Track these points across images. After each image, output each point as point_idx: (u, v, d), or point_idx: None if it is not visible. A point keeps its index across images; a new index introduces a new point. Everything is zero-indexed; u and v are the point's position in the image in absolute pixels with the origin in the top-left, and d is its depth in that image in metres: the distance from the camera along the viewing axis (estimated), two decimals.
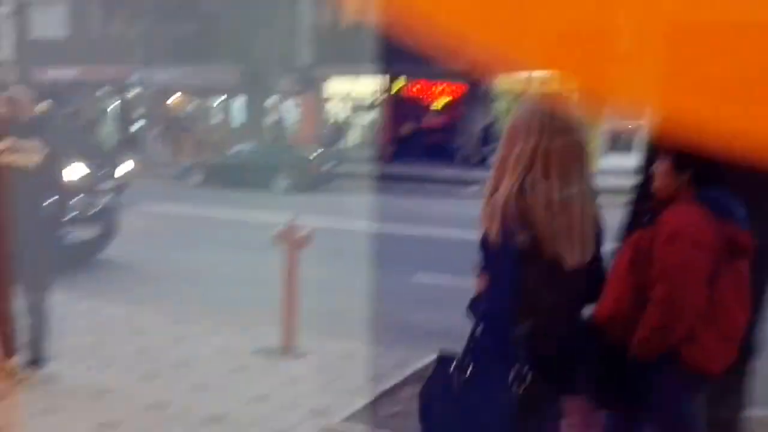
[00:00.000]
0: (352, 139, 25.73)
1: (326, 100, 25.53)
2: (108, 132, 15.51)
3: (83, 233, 7.92)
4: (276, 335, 5.28)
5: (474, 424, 2.05)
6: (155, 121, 23.52)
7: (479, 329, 2.11)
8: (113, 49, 23.84)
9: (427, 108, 24.76)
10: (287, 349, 5.22)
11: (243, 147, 18.95)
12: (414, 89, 24.45)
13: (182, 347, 5.28)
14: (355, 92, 25.10)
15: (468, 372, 2.07)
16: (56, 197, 4.44)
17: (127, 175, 13.06)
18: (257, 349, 5.30)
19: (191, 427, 3.95)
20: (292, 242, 5.24)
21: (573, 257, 2.07)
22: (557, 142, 2.06)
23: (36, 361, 4.51)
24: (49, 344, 4.61)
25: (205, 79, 23.67)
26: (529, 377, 2.00)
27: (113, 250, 8.71)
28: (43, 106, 10.74)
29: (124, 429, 3.86)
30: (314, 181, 17.94)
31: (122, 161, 13.76)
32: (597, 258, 2.20)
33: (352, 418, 3.97)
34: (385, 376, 4.62)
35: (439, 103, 24.66)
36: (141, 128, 24.51)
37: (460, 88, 23.40)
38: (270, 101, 24.38)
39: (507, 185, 2.06)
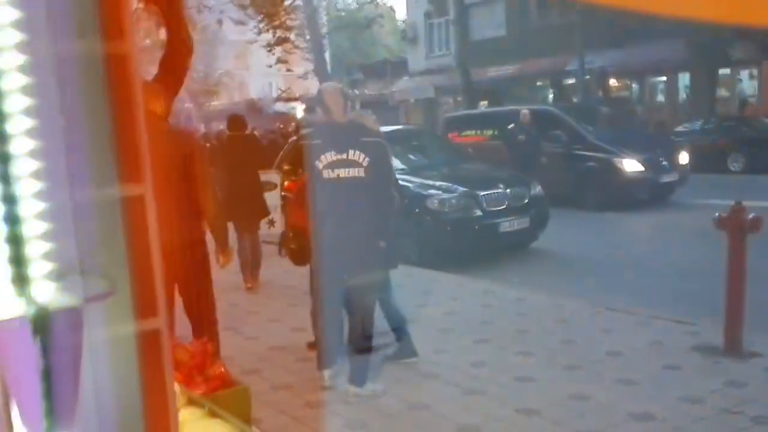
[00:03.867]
0: None
1: None
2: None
3: (515, 223, 8.24)
4: (718, 332, 4.69)
5: None
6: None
7: None
8: (549, 41, 24.35)
9: None
10: (731, 347, 4.59)
11: (691, 125, 17.54)
12: None
13: (610, 339, 5.06)
14: None
15: None
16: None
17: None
18: (695, 345, 4.80)
19: (614, 421, 3.73)
20: (737, 227, 4.58)
21: None
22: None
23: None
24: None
25: (648, 57, 22.61)
26: None
27: (547, 240, 8.82)
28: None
29: (545, 417, 3.83)
30: None
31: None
32: None
33: None
34: None
35: None
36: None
37: None
38: (722, 73, 22.12)
39: None
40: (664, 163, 11.86)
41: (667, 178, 11.78)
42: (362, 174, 3.95)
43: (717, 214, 4.66)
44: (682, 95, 23.92)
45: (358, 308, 4.23)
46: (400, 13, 36.47)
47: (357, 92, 33.26)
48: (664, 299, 6.20)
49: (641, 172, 11.45)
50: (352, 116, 4.19)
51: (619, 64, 23.67)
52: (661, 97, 25.24)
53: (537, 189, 8.72)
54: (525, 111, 12.27)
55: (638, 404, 3.89)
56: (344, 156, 3.96)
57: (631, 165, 11.53)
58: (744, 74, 23.56)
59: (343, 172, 3.96)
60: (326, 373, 4.34)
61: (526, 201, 8.45)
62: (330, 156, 3.98)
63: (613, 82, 25.85)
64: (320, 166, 3.99)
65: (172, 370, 0.83)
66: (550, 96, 26.93)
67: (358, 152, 3.96)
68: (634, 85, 25.98)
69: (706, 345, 4.75)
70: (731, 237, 4.56)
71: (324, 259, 4.13)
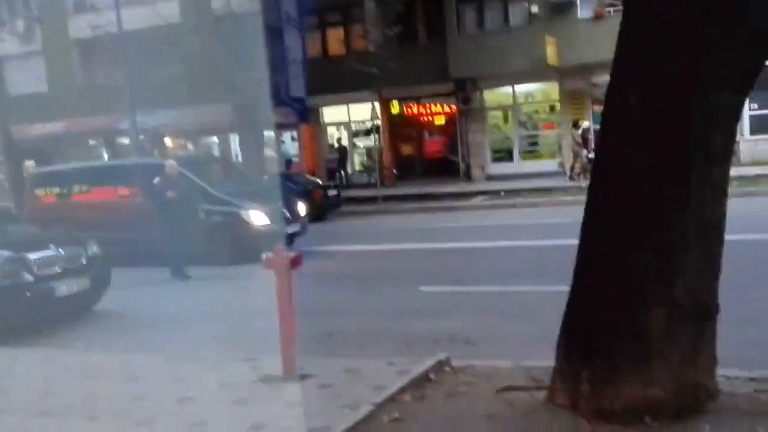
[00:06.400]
0: (354, 165, 25.78)
1: (324, 129, 25.67)
2: None
3: (73, 285, 7.84)
4: (279, 362, 5.14)
5: None
6: None
7: None
8: (98, 100, 23.84)
9: (424, 128, 24.73)
10: (288, 374, 5.08)
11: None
12: (409, 111, 24.47)
13: (182, 387, 5.13)
14: (351, 119, 25.23)
15: None
16: None
17: None
18: (260, 377, 5.17)
19: None
20: (281, 265, 5.11)
21: None
22: None
23: None
24: None
25: (200, 119, 23.76)
26: None
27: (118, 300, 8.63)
28: None
29: None
30: (318, 209, 17.80)
31: None
32: None
33: (352, 431, 3.80)
34: (387, 386, 4.44)
35: (435, 122, 24.58)
36: None
37: (453, 106, 23.36)
38: (266, 135, 24.44)
39: None
40: (287, 214, 12.20)
41: (290, 229, 12.08)
42: None
43: (264, 255, 5.14)
44: (235, 154, 25.71)
45: None
46: None
47: None
48: (236, 342, 6.58)
49: (267, 224, 11.62)
50: None
51: (172, 124, 24.32)
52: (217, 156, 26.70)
53: (94, 248, 8.39)
54: (172, 162, 11.14)
55: None
56: None
57: (257, 217, 11.67)
58: (287, 136, 26.54)
59: None
60: None
61: (84, 262, 8.08)
62: None
63: (168, 141, 26.40)
64: None
65: None
66: (105, 155, 26.33)
67: None
68: (189, 145, 26.97)
69: (269, 376, 5.15)
70: (277, 275, 5.07)
71: None
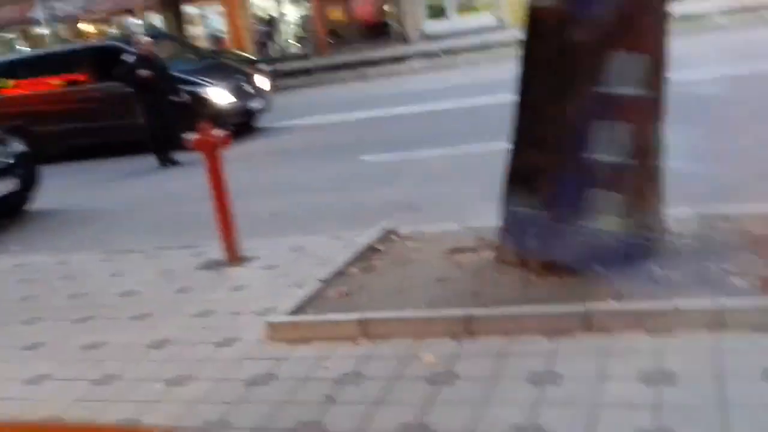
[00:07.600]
0: (286, 37, 24.66)
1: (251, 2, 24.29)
2: None
3: (2, 187, 7.45)
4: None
5: None
6: None
7: None
8: None
9: None
10: (231, 257, 4.94)
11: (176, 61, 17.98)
12: None
13: (122, 281, 4.96)
14: None
15: None
16: None
17: None
18: (202, 264, 5.02)
19: (135, 356, 3.68)
20: (209, 145, 4.83)
21: None
22: None
23: None
24: None
25: (114, 0, 22.26)
26: None
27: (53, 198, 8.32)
28: None
29: (56, 378, 3.59)
30: None
31: None
32: None
33: (299, 309, 3.71)
34: (334, 260, 4.33)
35: None
36: None
37: None
38: (190, 11, 23.08)
39: None
40: (250, 89, 11.50)
41: (255, 105, 11.51)
42: None
43: (190, 137, 4.84)
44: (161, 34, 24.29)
45: None
46: None
47: None
48: (174, 230, 6.40)
49: (232, 102, 10.94)
50: None
51: (88, 8, 22.84)
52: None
53: (20, 147, 7.91)
54: (146, 38, 10.14)
55: (155, 333, 3.92)
56: None
57: (220, 95, 10.89)
58: (211, 12, 25.06)
59: None
60: None
61: (12, 161, 7.64)
62: None
63: (86, 26, 24.88)
64: None
65: None
66: (25, 47, 24.80)
67: None
68: (110, 29, 25.39)
69: (212, 261, 5.02)
70: (206, 155, 4.80)
71: None
